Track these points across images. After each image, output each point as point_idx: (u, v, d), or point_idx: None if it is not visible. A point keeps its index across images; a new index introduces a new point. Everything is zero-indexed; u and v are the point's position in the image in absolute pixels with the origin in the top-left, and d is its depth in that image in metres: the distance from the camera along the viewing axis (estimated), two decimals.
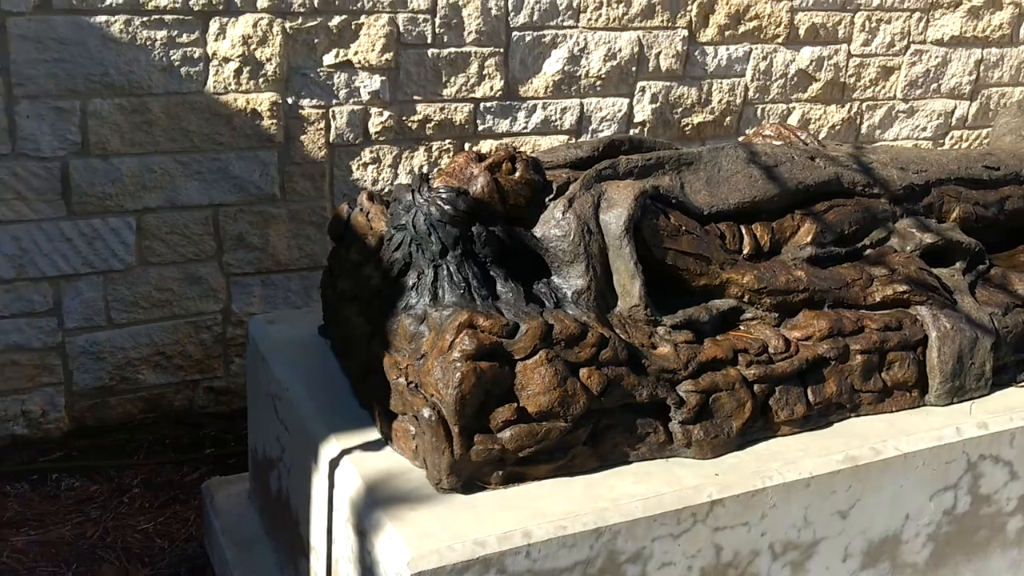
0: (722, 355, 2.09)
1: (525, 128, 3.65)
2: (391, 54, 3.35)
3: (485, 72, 3.51)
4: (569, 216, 2.05)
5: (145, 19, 2.98)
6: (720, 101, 3.95)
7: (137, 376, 3.31)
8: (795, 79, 4.07)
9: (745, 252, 2.28)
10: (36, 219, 3.03)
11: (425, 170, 3.52)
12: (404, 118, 3.45)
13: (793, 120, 4.12)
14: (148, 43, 3.00)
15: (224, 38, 3.10)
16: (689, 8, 3.78)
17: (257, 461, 2.54)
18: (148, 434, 3.30)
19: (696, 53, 3.86)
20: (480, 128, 3.58)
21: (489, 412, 1.87)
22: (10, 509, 2.91)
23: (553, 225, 2.06)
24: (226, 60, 3.12)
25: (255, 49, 3.15)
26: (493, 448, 1.86)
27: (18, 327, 3.10)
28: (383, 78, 3.37)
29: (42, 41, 2.87)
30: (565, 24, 3.60)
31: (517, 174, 2.07)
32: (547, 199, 2.10)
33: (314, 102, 3.30)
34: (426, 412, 1.86)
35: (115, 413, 3.32)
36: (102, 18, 2.92)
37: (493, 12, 3.45)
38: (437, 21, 3.39)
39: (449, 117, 3.52)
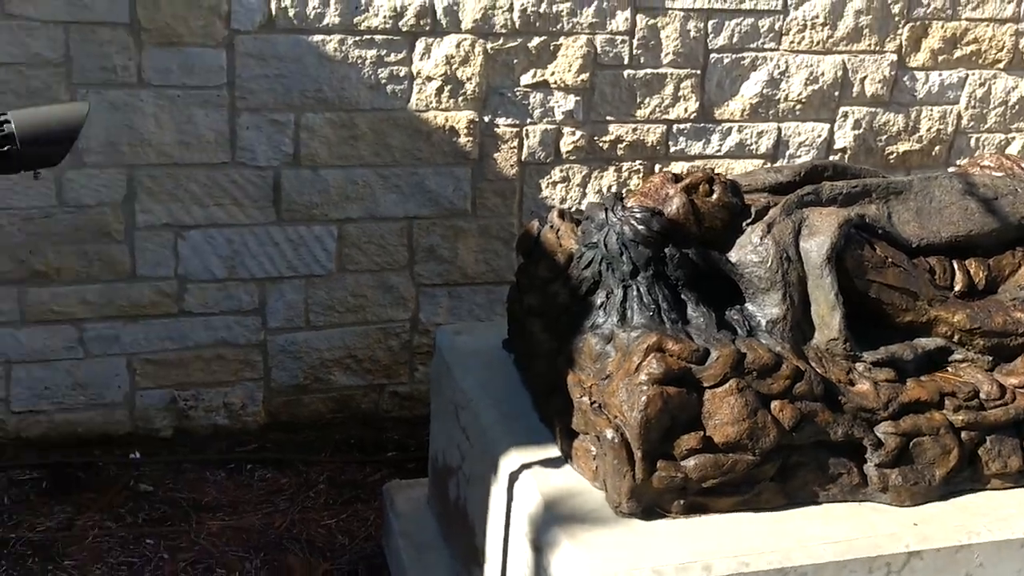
0: (927, 397, 1.96)
1: (719, 151, 3.57)
2: (587, 75, 3.37)
3: (680, 94, 3.47)
4: (767, 242, 1.99)
5: (357, 39, 3.13)
6: (929, 129, 3.73)
7: (329, 377, 3.47)
8: (1016, 107, 3.78)
9: (957, 289, 2.14)
10: (248, 224, 3.24)
11: (614, 190, 3.51)
12: (596, 138, 3.46)
13: (1013, 151, 3.83)
14: (359, 62, 3.16)
15: (429, 58, 3.22)
16: (899, 32, 3.59)
17: (437, 467, 2.60)
18: (336, 433, 3.45)
19: (905, 78, 3.66)
20: (672, 150, 3.53)
21: (674, 439, 1.83)
22: (208, 494, 3.11)
23: (750, 250, 2.00)
24: (429, 79, 3.24)
25: (457, 69, 3.25)
26: (676, 476, 1.82)
27: (227, 324, 3.33)
28: (577, 98, 3.40)
29: (265, 58, 3.08)
30: (766, 47, 3.50)
31: (715, 196, 2.03)
32: (744, 223, 2.05)
33: (509, 121, 3.36)
34: (609, 433, 1.84)
35: (307, 411, 3.49)
36: (319, 37, 3.10)
37: (692, 34, 3.41)
38: (635, 42, 3.39)
39: (641, 138, 3.50)
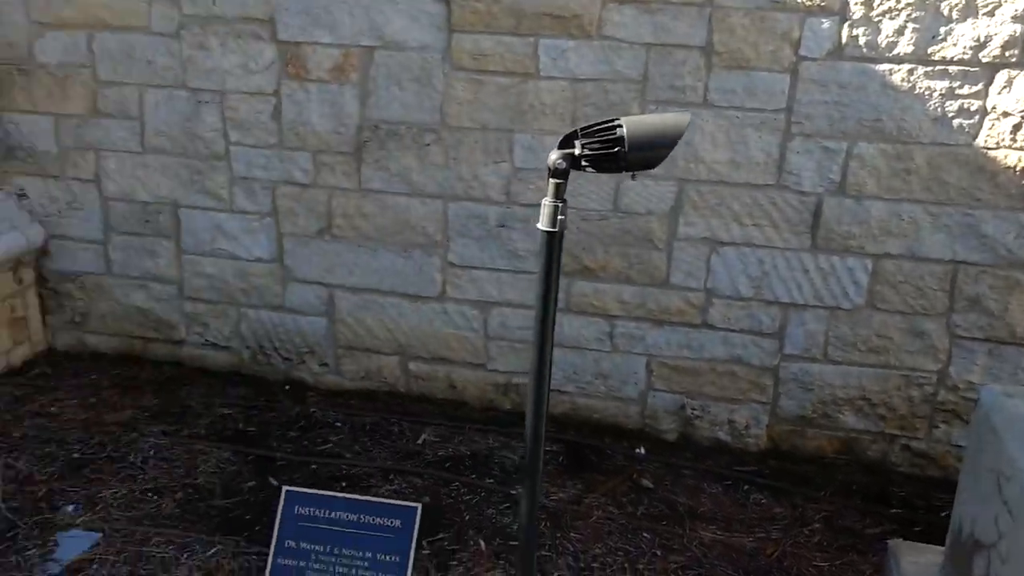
0: None
1: None
2: None
3: None
4: None
5: (928, 70, 2.96)
6: None
7: (838, 415, 3.35)
8: None
9: None
10: (781, 247, 3.24)
11: None
12: None
13: None
14: (925, 93, 2.99)
15: (1009, 92, 2.93)
16: None
17: (961, 537, 2.36)
18: (837, 474, 3.32)
19: None
20: None
21: None
22: (704, 505, 3.18)
23: None
24: (1005, 115, 2.95)
25: None
26: None
27: (744, 343, 3.37)
28: None
29: (826, 85, 3.05)
30: None
31: None
32: None
33: None
34: None
35: (809, 445, 3.40)
36: (886, 66, 2.99)
37: None
38: None
39: None
